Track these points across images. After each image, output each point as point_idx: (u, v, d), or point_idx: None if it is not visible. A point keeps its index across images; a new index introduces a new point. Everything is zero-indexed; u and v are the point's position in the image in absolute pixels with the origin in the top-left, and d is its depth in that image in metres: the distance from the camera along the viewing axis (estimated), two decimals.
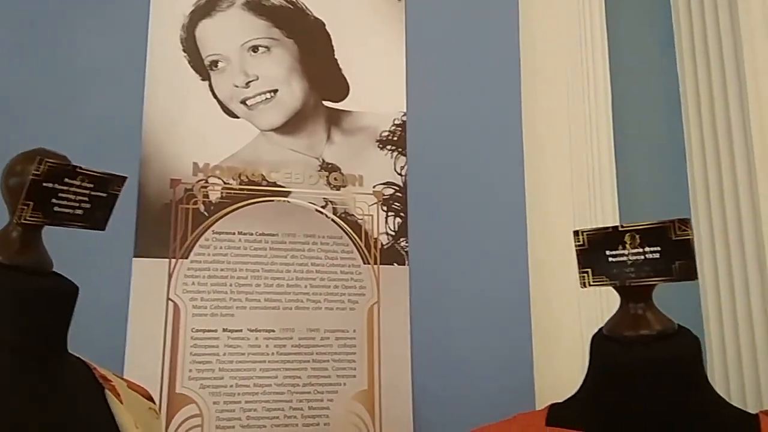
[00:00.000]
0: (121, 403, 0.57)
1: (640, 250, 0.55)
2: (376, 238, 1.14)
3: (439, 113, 1.20)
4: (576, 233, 0.57)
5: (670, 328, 0.57)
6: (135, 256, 1.04)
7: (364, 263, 1.13)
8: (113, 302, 1.02)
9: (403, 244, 1.15)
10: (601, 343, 0.59)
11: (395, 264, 1.14)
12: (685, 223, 0.54)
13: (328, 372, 1.08)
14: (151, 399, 0.63)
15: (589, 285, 0.57)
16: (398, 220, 1.16)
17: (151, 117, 1.08)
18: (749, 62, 1.17)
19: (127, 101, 1.07)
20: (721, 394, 1.16)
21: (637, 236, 0.55)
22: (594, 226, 0.57)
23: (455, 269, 1.15)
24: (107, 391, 0.57)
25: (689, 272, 0.54)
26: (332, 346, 1.09)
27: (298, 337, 1.08)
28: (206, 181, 1.08)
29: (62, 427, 0.51)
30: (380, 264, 1.13)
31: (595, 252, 0.57)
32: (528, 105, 1.22)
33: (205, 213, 1.08)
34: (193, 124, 1.09)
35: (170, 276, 1.05)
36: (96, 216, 0.56)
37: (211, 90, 1.11)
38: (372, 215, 1.15)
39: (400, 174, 1.17)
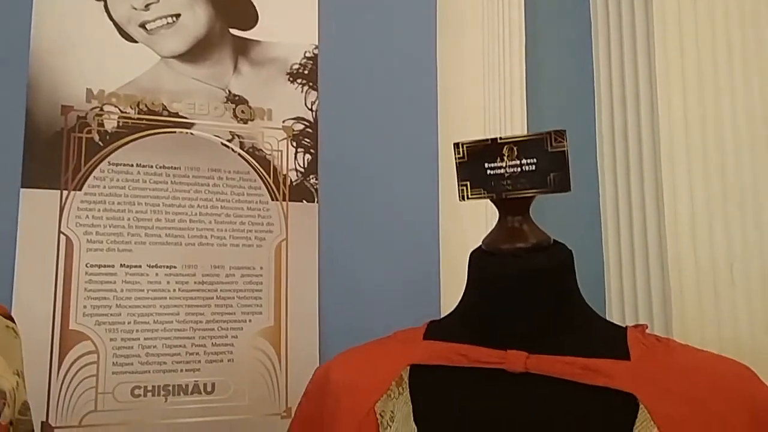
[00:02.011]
0: None
1: (517, 162, 0.55)
2: (285, 175, 1.11)
3: (353, 46, 1.17)
4: (456, 145, 0.56)
5: (545, 241, 0.57)
6: (23, 187, 0.97)
7: (273, 200, 1.10)
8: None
9: (313, 181, 1.13)
10: (478, 257, 0.58)
11: (304, 201, 1.12)
12: (561, 134, 0.54)
13: (233, 309, 1.06)
14: (9, 318, 0.59)
15: (468, 198, 0.57)
16: (308, 156, 1.13)
17: (39, 38, 1.00)
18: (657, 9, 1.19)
19: (12, 20, 0.99)
20: (617, 312, 1.22)
21: (515, 148, 0.55)
22: (474, 139, 0.56)
23: (365, 207, 1.14)
24: None
25: (564, 184, 0.54)
26: (237, 282, 1.07)
27: (202, 273, 1.05)
28: (101, 109, 1.02)
29: None
30: (289, 201, 1.11)
31: (473, 164, 0.56)
32: (443, 38, 1.20)
33: (100, 143, 1.02)
34: (86, 47, 1.02)
35: (62, 208, 0.99)
36: None
37: (107, 11, 1.04)
38: (281, 151, 1.11)
39: (310, 109, 1.14)
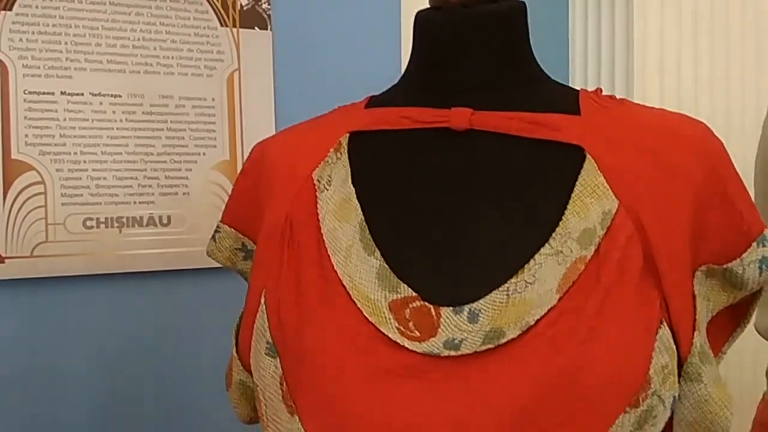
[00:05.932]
0: None
1: None
2: None
3: None
4: None
5: None
6: None
7: (222, 26, 1.03)
8: None
9: (265, 6, 1.05)
10: (424, 13, 0.54)
11: (257, 28, 1.05)
12: None
13: (186, 141, 1.02)
14: None
15: None
16: None
17: None
18: None
19: None
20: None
21: None
22: None
23: (322, 33, 1.08)
24: None
25: None
26: (189, 114, 1.02)
27: (149, 103, 1.00)
28: None
29: None
30: (240, 27, 1.04)
31: None
32: None
33: None
34: None
35: None
36: None
37: None
38: None
39: None
